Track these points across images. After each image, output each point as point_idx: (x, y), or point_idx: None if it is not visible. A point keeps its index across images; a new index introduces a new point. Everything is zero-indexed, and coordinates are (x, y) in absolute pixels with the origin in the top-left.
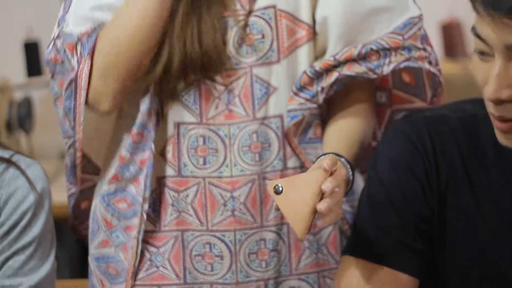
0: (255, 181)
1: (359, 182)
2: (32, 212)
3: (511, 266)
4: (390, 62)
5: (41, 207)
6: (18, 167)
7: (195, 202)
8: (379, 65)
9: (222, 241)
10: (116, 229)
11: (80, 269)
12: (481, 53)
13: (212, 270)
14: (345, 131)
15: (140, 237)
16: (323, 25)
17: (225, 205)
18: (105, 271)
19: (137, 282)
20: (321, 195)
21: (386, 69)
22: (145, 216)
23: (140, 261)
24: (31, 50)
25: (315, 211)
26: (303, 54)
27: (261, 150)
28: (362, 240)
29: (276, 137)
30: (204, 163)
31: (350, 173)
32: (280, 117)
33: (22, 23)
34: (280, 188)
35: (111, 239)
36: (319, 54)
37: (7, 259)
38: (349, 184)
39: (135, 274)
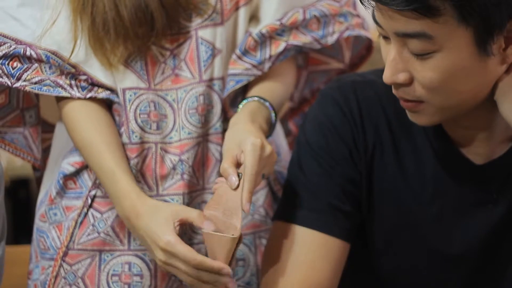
0: (200, 144)
1: (281, 140)
2: None
3: (433, 232)
4: (333, 32)
5: None
6: None
7: (144, 168)
8: (323, 35)
9: None
10: (56, 206)
11: (12, 236)
12: (383, 37)
13: None
14: (268, 87)
15: (80, 220)
16: None
17: (174, 168)
18: (38, 244)
19: (78, 247)
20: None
21: (330, 39)
22: (89, 200)
23: (81, 226)
24: None
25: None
26: (242, 17)
27: (206, 112)
28: (292, 204)
29: (218, 99)
30: (157, 128)
31: (273, 115)
32: (223, 79)
33: None
34: None
35: (48, 215)
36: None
37: None
38: (272, 127)
39: (66, 254)
